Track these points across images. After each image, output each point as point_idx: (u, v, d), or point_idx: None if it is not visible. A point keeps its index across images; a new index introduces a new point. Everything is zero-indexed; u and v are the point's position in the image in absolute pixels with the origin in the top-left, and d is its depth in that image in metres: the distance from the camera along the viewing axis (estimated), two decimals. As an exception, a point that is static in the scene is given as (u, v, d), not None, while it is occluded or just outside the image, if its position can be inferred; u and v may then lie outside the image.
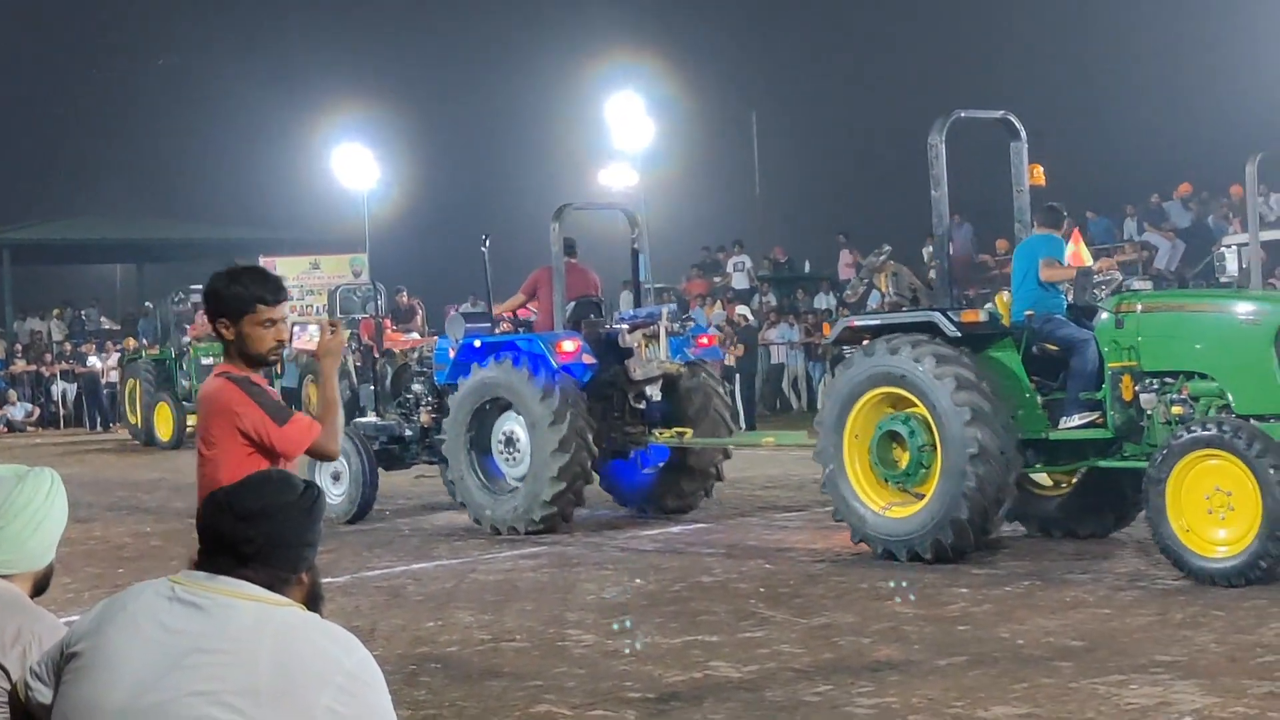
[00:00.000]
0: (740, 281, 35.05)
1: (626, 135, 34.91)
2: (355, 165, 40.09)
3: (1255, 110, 33.81)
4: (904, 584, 11.08)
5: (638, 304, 16.79)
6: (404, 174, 44.78)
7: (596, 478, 15.42)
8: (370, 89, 46.32)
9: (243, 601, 3.31)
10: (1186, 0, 37.08)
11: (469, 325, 15.95)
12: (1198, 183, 30.68)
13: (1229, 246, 27.95)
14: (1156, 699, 7.61)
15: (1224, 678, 7.97)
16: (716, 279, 35.68)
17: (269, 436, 5.44)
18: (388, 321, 25.81)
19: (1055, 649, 8.80)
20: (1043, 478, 13.09)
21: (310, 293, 40.47)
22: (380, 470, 16.53)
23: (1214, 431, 10.50)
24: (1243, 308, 11.55)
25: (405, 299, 30.34)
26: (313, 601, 3.50)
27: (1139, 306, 11.82)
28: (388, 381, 17.87)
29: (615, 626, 10.30)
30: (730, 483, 17.83)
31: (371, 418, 17.69)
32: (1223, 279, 27.10)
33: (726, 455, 15.85)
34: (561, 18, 47.66)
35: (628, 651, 9.26)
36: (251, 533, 3.37)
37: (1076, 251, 15.82)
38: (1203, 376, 11.42)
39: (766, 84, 44.48)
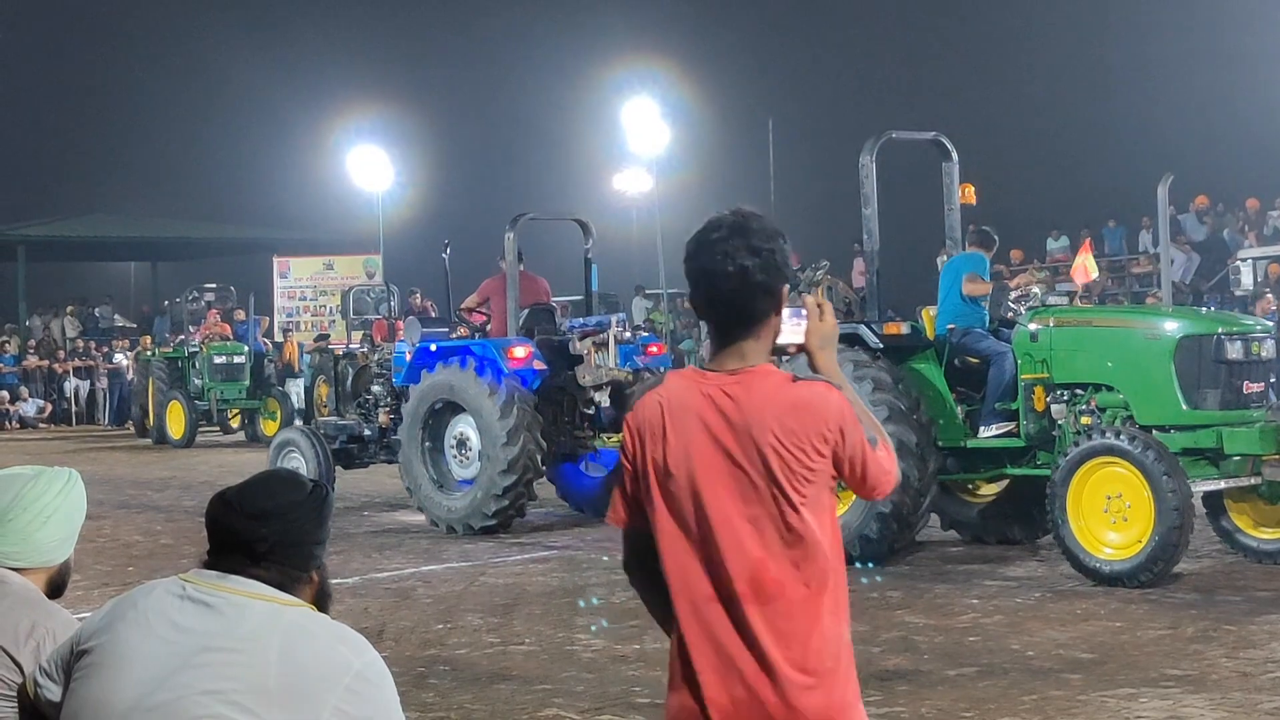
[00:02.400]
0: (753, 288, 34.95)
1: (642, 140, 34.92)
2: (371, 166, 40.20)
3: (1274, 123, 33.75)
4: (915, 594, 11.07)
5: (589, 312, 17.11)
6: (419, 176, 44.84)
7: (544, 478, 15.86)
8: (387, 91, 46.37)
9: (253, 601, 3.31)
10: (1208, 14, 37.01)
11: (426, 330, 16.48)
12: (1214, 195, 30.64)
13: (1244, 260, 27.93)
14: (1166, 713, 7.59)
15: (1234, 693, 7.94)
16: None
17: (863, 468, 3.62)
18: (400, 323, 25.85)
19: (1065, 661, 8.78)
20: (982, 484, 13.50)
21: (324, 293, 40.53)
22: (339, 469, 17.03)
23: (1112, 440, 11.06)
24: (1146, 324, 12.11)
25: (419, 300, 30.37)
26: (322, 601, 3.50)
27: (1051, 321, 12.24)
28: (349, 382, 18.14)
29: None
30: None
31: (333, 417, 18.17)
32: (1237, 292, 27.07)
33: None
34: (578, 22, 47.70)
35: (636, 657, 9.25)
36: (263, 531, 3.37)
37: (1083, 264, 15.82)
38: (1109, 389, 11.90)
39: (783, 91, 44.45)
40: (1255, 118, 34.46)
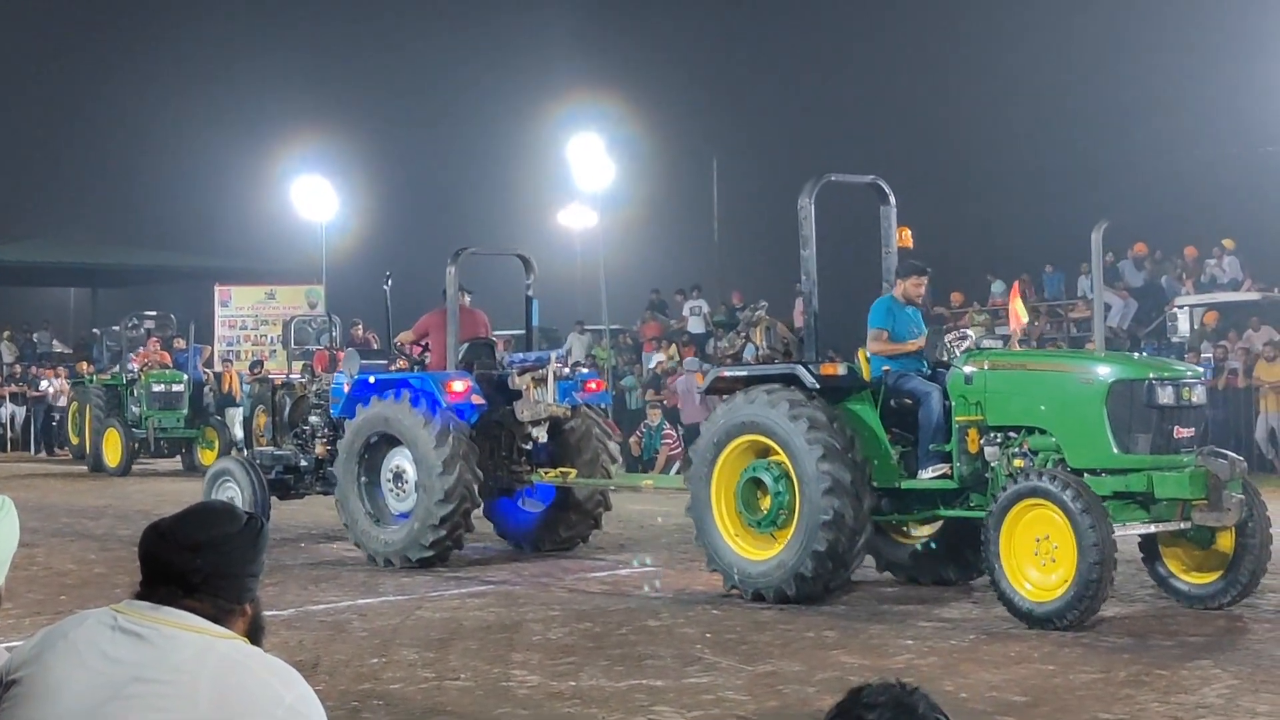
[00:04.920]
0: (696, 326, 35.11)
1: (587, 175, 34.98)
2: (314, 196, 40.11)
3: (1213, 173, 34.15)
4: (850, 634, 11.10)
5: (529, 347, 17.17)
6: (363, 207, 44.79)
7: (481, 513, 15.87)
8: (331, 121, 46.32)
9: (185, 632, 3.29)
10: (1150, 64, 37.44)
11: (365, 362, 16.50)
12: (1152, 243, 30.97)
13: (1181, 307, 28.22)
14: (1098, 756, 7.62)
15: (1165, 737, 7.99)
16: (674, 322, 35.72)
17: None
18: (341, 353, 25.76)
19: (999, 704, 8.82)
20: (917, 526, 13.59)
21: (265, 323, 40.34)
22: (275, 499, 17.03)
23: (1039, 482, 11.21)
24: (1079, 368, 12.23)
25: (361, 332, 30.29)
26: (255, 633, 3.48)
27: (986, 364, 12.35)
28: (286, 412, 18.09)
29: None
30: (680, 527, 17.81)
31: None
32: (1174, 338, 27.35)
33: (607, 506, 16.38)
34: (525, 57, 47.82)
35: (571, 694, 9.23)
36: (197, 562, 3.36)
37: (1014, 309, 15.90)
38: (1042, 431, 12.00)
39: (728, 129, 44.69)
40: (1194, 167, 34.87)
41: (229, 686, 3.22)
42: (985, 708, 8.70)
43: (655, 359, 32.41)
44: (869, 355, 12.95)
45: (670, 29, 48.35)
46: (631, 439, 26.68)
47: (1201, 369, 13.73)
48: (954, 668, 9.87)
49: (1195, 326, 27.54)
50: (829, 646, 10.72)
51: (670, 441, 26.67)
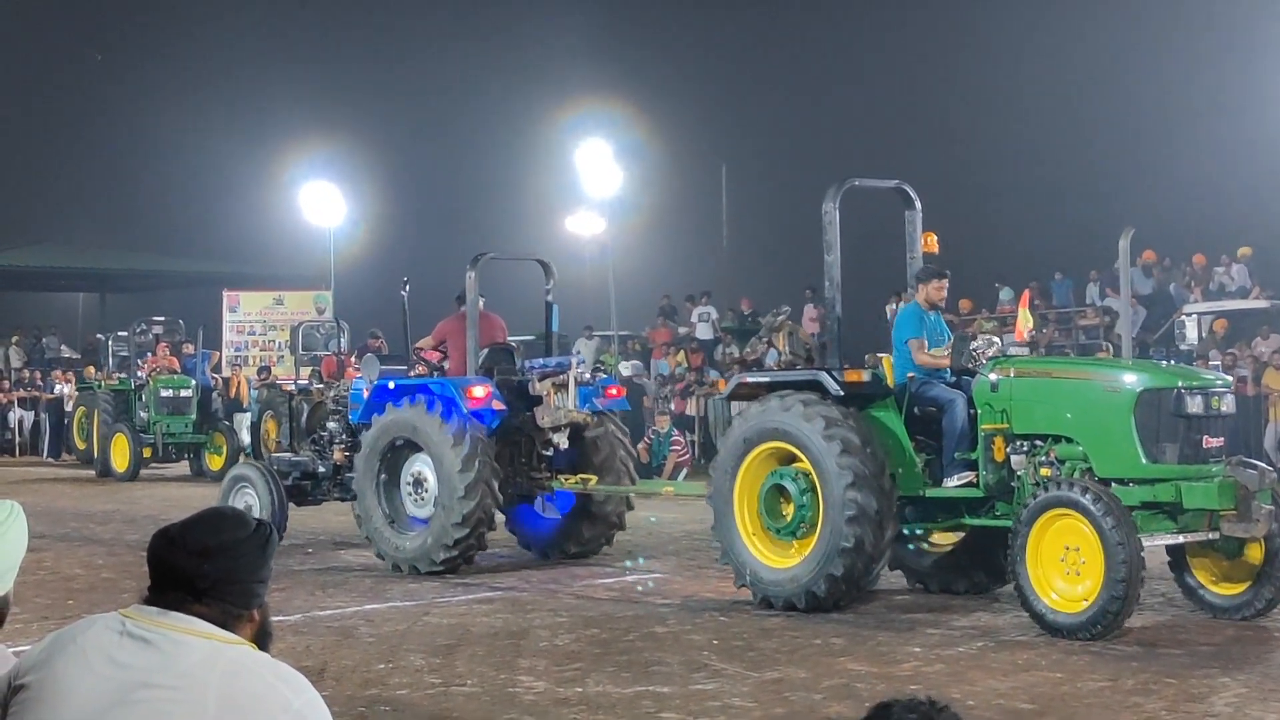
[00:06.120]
0: (704, 332, 35.12)
1: (595, 182, 35.01)
2: (323, 202, 40.17)
3: (1221, 181, 34.12)
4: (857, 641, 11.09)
5: (549, 353, 17.13)
6: (371, 213, 44.82)
7: (501, 520, 15.84)
8: (341, 126, 46.36)
9: (193, 638, 3.29)
10: (1155, 72, 37.43)
11: (383, 367, 16.44)
12: (1161, 250, 30.94)
13: (1189, 315, 28.16)
14: (1106, 764, 7.61)
15: (1173, 745, 7.97)
16: (682, 329, 35.73)
17: None
18: (349, 359, 25.77)
19: (1006, 711, 8.80)
20: (939, 535, 13.49)
21: (273, 328, 40.40)
22: (291, 505, 17.01)
23: (1065, 491, 11.11)
24: (1106, 376, 12.11)
25: (376, 342, 30.29)
26: (262, 639, 3.48)
27: (1012, 371, 12.28)
28: (304, 418, 18.02)
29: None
30: (688, 534, 17.81)
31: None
32: (1183, 346, 27.29)
33: (629, 505, 16.27)
34: (533, 62, 47.84)
35: (578, 700, 9.22)
36: (205, 568, 3.36)
37: (1019, 315, 15.90)
38: (1069, 440, 11.91)
39: (737, 135, 44.69)
40: (1203, 175, 34.83)
41: (236, 692, 3.22)
42: (993, 715, 8.69)
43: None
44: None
45: (678, 35, 48.38)
46: (640, 445, 26.66)
47: (1230, 378, 13.59)
48: (961, 675, 9.86)
49: (1204, 334, 27.49)
50: (836, 654, 10.71)
51: (679, 448, 26.65)
